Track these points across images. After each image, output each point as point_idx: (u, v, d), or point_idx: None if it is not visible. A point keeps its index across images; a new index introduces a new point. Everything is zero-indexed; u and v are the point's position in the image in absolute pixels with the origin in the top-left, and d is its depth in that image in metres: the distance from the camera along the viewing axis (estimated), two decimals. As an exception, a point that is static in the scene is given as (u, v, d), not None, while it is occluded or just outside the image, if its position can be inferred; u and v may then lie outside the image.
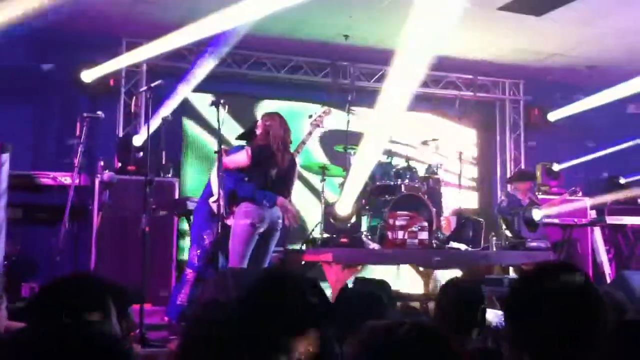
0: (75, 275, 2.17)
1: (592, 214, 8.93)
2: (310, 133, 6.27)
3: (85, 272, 5.72)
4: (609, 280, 7.93)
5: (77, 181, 5.97)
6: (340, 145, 7.88)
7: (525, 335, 1.91)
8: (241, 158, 5.71)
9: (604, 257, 8.52)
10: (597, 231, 8.72)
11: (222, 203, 5.38)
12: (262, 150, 5.71)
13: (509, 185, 8.87)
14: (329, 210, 7.54)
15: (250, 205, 5.61)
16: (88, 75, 8.12)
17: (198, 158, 9.03)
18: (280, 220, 5.80)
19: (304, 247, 7.55)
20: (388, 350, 1.55)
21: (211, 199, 5.79)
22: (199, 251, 5.90)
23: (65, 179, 6.62)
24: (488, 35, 8.52)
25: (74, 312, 1.91)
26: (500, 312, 4.37)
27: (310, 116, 6.39)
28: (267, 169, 5.70)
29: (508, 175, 10.28)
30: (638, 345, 1.65)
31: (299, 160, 6.12)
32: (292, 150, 5.99)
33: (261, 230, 5.66)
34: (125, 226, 7.03)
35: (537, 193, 9.09)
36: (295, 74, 9.53)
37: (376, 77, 9.71)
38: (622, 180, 9.15)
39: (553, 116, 10.33)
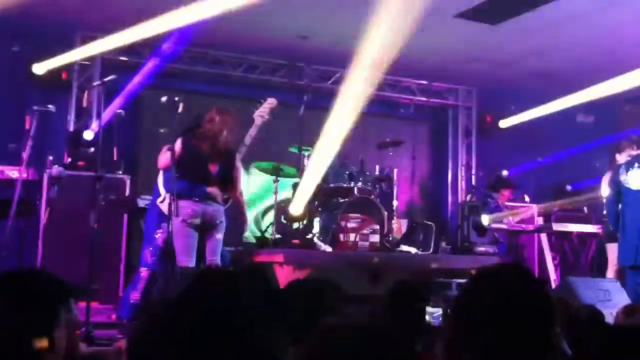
0: (16, 273, 2.13)
1: (539, 220, 9.12)
2: (256, 125, 6.24)
3: (29, 267, 5.58)
4: (554, 286, 8.10)
5: (24, 175, 5.86)
6: (294, 146, 7.89)
7: (471, 336, 1.91)
8: (167, 156, 5.61)
9: (549, 263, 8.70)
10: (544, 237, 8.90)
11: (170, 202, 5.34)
12: (190, 145, 5.65)
13: (491, 190, 9.10)
14: (281, 210, 7.54)
15: (183, 202, 5.51)
16: (40, 67, 7.96)
17: (153, 156, 8.90)
18: (218, 214, 5.72)
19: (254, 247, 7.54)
20: (340, 349, 1.55)
21: (158, 200, 5.75)
22: (151, 249, 5.85)
23: (13, 172, 6.49)
24: (444, 42, 8.62)
25: (14, 309, 1.88)
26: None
27: (256, 108, 6.36)
28: (196, 165, 5.64)
29: (459, 180, 10.46)
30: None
31: (240, 153, 6.04)
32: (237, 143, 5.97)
33: (195, 225, 5.59)
34: (74, 223, 6.89)
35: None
36: (252, 74, 9.50)
37: (333, 79, 9.74)
38: (569, 188, 9.36)
39: (504, 123, 10.51)
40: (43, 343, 1.88)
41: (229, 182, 5.82)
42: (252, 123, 6.23)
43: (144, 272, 5.83)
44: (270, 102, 6.37)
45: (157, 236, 5.82)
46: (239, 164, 5.97)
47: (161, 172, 5.84)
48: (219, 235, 5.78)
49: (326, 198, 7.65)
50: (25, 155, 5.73)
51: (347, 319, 1.88)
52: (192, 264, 5.57)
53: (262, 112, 6.27)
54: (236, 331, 1.75)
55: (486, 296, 1.93)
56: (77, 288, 2.77)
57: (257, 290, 1.98)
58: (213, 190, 5.68)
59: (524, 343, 1.86)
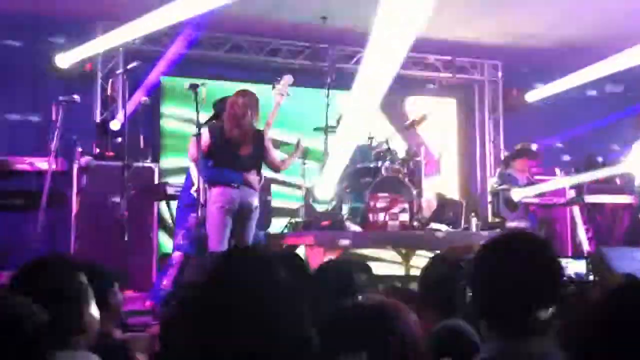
0: (47, 259, 2.13)
1: (571, 193, 8.97)
2: (277, 103, 6.21)
3: (61, 253, 5.61)
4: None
5: (54, 166, 5.89)
6: (320, 128, 7.85)
7: (487, 300, 2.08)
8: (199, 145, 5.59)
9: (582, 236, 8.57)
10: (576, 210, 8.76)
11: (202, 190, 5.38)
12: (219, 132, 5.65)
13: (503, 166, 8.85)
14: (310, 192, 7.53)
15: (218, 189, 5.55)
16: (63, 59, 8.00)
17: (177, 143, 8.95)
18: (254, 200, 5.72)
19: (285, 231, 7.55)
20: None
21: (192, 189, 5.77)
22: (184, 232, 5.90)
23: (42, 164, 6.52)
24: (466, 17, 8.49)
25: (44, 297, 1.88)
26: None
27: (274, 87, 6.33)
28: (228, 150, 5.63)
29: (487, 156, 10.36)
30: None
31: (268, 134, 6.02)
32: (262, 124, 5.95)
33: (231, 211, 5.59)
34: (104, 212, 6.94)
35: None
36: (273, 58, 9.45)
37: (355, 59, 9.66)
38: (600, 159, 9.19)
39: (531, 97, 10.36)
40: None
41: (262, 162, 5.81)
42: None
43: (177, 256, 5.87)
44: (287, 78, 6.34)
45: (188, 219, 5.82)
46: (267, 142, 5.92)
47: (193, 162, 5.82)
48: (253, 221, 5.78)
49: (354, 178, 7.61)
50: (53, 145, 5.76)
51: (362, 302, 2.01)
52: (224, 249, 5.57)
53: (282, 89, 6.24)
54: (267, 313, 1.73)
55: (497, 263, 2.09)
56: (112, 274, 2.79)
57: (287, 272, 1.96)
58: (250, 176, 5.66)
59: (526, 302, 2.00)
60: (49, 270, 2.02)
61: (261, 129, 5.90)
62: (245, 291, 1.74)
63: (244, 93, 5.83)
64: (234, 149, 5.66)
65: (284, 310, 1.75)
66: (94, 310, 2.07)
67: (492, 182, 9.05)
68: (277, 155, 6.04)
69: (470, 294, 3.93)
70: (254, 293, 1.74)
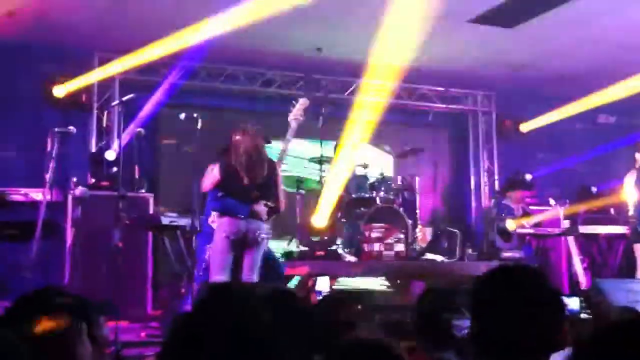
0: (38, 292, 2.13)
1: (566, 223, 8.99)
2: (292, 128, 6.25)
3: (54, 286, 5.59)
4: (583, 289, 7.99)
5: (48, 197, 5.89)
6: (314, 158, 7.89)
7: (488, 333, 2.00)
8: (210, 177, 5.72)
9: (578, 266, 8.56)
10: (571, 240, 8.77)
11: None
12: (229, 165, 5.71)
13: (498, 196, 8.91)
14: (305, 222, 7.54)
15: (224, 218, 5.62)
16: (59, 90, 8.04)
17: (174, 172, 8.97)
18: (261, 230, 5.72)
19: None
20: None
21: (209, 219, 5.86)
22: (203, 264, 5.95)
23: (37, 195, 6.52)
24: (459, 47, 8.58)
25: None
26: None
27: (290, 111, 6.38)
28: (237, 182, 5.67)
29: (482, 186, 10.39)
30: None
31: (281, 159, 6.07)
32: (277, 152, 6.03)
33: (236, 241, 5.61)
34: (99, 242, 6.91)
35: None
36: (269, 88, 9.52)
37: (350, 89, 9.73)
38: (594, 189, 9.23)
39: (525, 127, 10.44)
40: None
41: (271, 196, 5.82)
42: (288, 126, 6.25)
43: (195, 287, 5.93)
44: (303, 102, 6.40)
45: (206, 250, 5.91)
46: (279, 173, 5.96)
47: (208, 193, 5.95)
48: (259, 252, 5.76)
49: (349, 208, 7.62)
50: (48, 177, 5.76)
51: (362, 338, 2.00)
52: (224, 279, 5.56)
53: (296, 114, 6.30)
54: (250, 346, 1.74)
55: (494, 295, 2.05)
56: (103, 304, 2.77)
57: (277, 309, 1.97)
58: (258, 207, 5.69)
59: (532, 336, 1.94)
60: (44, 306, 2.01)
61: (274, 159, 5.98)
62: (219, 326, 1.76)
63: (248, 128, 5.85)
64: (242, 182, 5.69)
65: (268, 343, 1.77)
66: (87, 346, 2.06)
67: (487, 211, 9.07)
68: (282, 195, 6.01)
69: (464, 327, 3.93)
70: (229, 330, 1.75)
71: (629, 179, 7.24)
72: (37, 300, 2.09)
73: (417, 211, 8.14)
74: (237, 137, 5.78)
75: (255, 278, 5.70)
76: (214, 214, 5.71)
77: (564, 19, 7.59)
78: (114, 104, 7.43)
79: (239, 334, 1.74)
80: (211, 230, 5.81)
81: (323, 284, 6.41)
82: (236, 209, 5.63)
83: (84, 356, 2.09)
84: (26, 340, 1.70)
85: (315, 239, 7.71)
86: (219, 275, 5.54)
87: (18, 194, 6.69)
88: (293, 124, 6.23)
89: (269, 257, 6.08)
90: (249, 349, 1.73)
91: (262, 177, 5.74)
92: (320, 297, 5.30)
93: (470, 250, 7.76)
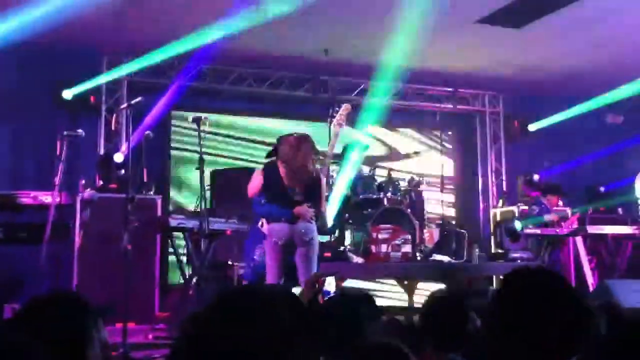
0: (48, 297, 2.15)
1: (574, 223, 8.98)
2: (336, 134, 6.34)
3: (61, 291, 5.65)
4: (591, 290, 7.97)
5: (57, 200, 5.93)
6: (322, 160, 7.89)
7: (509, 335, 1.97)
8: (254, 183, 5.84)
9: (586, 266, 8.55)
10: (579, 241, 8.75)
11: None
12: (273, 171, 5.81)
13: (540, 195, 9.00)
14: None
15: (272, 224, 5.74)
16: (68, 93, 8.09)
17: (183, 175, 9.01)
18: (308, 232, 5.77)
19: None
20: None
21: (259, 224, 5.99)
22: (251, 264, 6.18)
23: (46, 198, 6.56)
24: (467, 48, 8.58)
25: (47, 335, 1.89)
26: None
27: (333, 117, 6.43)
28: (279, 191, 5.76)
29: (489, 186, 10.40)
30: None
31: (326, 165, 6.23)
32: (323, 159, 6.18)
33: (285, 245, 5.71)
34: (108, 244, 6.94)
35: (518, 204, 9.16)
36: (277, 89, 9.54)
37: (357, 91, 9.75)
38: (602, 189, 9.22)
39: (533, 127, 10.42)
40: None
41: (314, 200, 5.87)
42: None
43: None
44: (345, 107, 6.47)
45: (256, 253, 6.11)
46: (323, 181, 6.02)
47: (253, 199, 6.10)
48: (310, 253, 5.82)
49: (356, 210, 7.63)
50: (57, 180, 5.80)
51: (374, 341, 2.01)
52: (278, 281, 5.69)
53: (340, 120, 6.34)
54: (259, 350, 1.75)
55: (520, 299, 2.00)
56: (102, 308, 2.79)
57: (283, 308, 1.99)
58: (301, 210, 5.75)
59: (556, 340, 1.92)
60: (54, 312, 2.03)
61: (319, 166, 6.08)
62: (241, 326, 1.76)
63: (293, 137, 5.90)
64: (285, 187, 5.77)
65: (278, 348, 1.77)
66: (97, 352, 2.08)
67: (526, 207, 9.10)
68: (323, 200, 6.08)
69: (472, 328, 3.93)
70: (248, 330, 1.76)
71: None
72: (46, 303, 2.12)
73: (425, 212, 8.14)
74: (283, 143, 5.86)
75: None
76: (262, 219, 5.86)
77: (571, 19, 7.58)
78: (122, 106, 7.46)
79: (250, 342, 1.75)
80: (260, 233, 5.96)
81: (330, 285, 6.44)
82: (280, 213, 5.72)
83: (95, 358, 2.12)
84: (37, 343, 1.72)
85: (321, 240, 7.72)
86: (275, 279, 5.67)
87: (27, 197, 6.73)
88: (336, 129, 6.36)
89: None
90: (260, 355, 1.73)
91: (306, 182, 5.82)
92: (327, 298, 5.33)
93: (478, 251, 7.74)
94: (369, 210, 7.57)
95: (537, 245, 8.37)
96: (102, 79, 8.34)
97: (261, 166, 5.94)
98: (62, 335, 1.96)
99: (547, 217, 8.32)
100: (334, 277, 5.80)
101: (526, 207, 8.97)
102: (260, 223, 5.94)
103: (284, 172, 5.76)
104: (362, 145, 7.73)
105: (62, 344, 1.94)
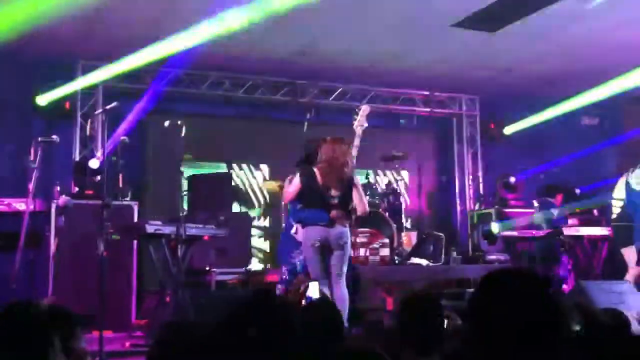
0: (12, 307, 2.12)
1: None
2: (358, 135, 6.50)
3: (25, 301, 5.58)
4: (567, 290, 8.03)
5: (32, 207, 5.87)
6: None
7: (486, 336, 1.97)
8: (291, 188, 6.03)
9: (563, 268, 8.62)
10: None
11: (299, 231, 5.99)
12: (310, 177, 5.94)
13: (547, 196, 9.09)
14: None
15: (308, 228, 5.91)
16: (43, 99, 8.01)
17: (159, 180, 8.94)
18: (343, 235, 5.92)
19: (268, 267, 7.54)
20: None
21: (292, 231, 6.25)
22: (289, 268, 6.41)
23: (20, 205, 6.49)
24: (443, 51, 8.61)
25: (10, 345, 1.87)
26: None
27: (354, 119, 6.54)
28: (317, 193, 5.90)
29: (466, 189, 10.45)
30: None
31: (355, 173, 6.24)
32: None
33: (322, 247, 5.86)
34: (83, 251, 6.88)
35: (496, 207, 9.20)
36: (254, 93, 9.51)
37: (334, 94, 9.76)
38: (578, 191, 9.29)
39: (509, 130, 10.50)
40: None
41: (349, 202, 6.00)
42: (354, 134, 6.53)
43: (280, 289, 6.12)
44: (365, 109, 6.66)
45: (293, 257, 6.32)
46: (357, 183, 6.13)
47: (289, 204, 6.34)
48: (344, 256, 5.97)
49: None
50: (31, 186, 5.73)
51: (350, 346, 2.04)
52: (323, 280, 5.84)
53: (361, 121, 6.51)
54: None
55: (499, 299, 2.00)
56: (80, 317, 2.76)
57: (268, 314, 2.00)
58: (337, 214, 5.88)
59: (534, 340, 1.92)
60: (17, 319, 2.00)
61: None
62: (263, 325, 1.80)
63: (327, 141, 6.07)
64: (323, 192, 5.90)
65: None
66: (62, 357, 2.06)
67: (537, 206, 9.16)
68: (363, 198, 6.16)
69: (449, 331, 3.94)
70: (268, 329, 1.79)
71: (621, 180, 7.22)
72: (15, 312, 2.09)
73: (403, 215, 8.15)
74: (318, 147, 6.03)
75: (342, 280, 5.93)
76: (296, 226, 6.10)
77: (546, 22, 7.64)
78: (97, 112, 7.41)
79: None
80: (292, 240, 6.21)
81: (313, 290, 6.47)
82: (316, 217, 5.85)
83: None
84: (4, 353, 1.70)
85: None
86: (319, 280, 5.83)
87: (1, 204, 6.66)
88: (358, 131, 6.51)
89: None
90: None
91: (341, 185, 5.93)
92: (308, 303, 5.35)
93: (455, 254, 7.78)
94: (347, 214, 7.56)
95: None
96: (77, 85, 8.26)
97: (297, 174, 6.10)
98: (20, 347, 1.93)
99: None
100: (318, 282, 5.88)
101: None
102: (294, 230, 6.19)
103: (321, 176, 5.89)
104: None
105: (22, 355, 1.91)
